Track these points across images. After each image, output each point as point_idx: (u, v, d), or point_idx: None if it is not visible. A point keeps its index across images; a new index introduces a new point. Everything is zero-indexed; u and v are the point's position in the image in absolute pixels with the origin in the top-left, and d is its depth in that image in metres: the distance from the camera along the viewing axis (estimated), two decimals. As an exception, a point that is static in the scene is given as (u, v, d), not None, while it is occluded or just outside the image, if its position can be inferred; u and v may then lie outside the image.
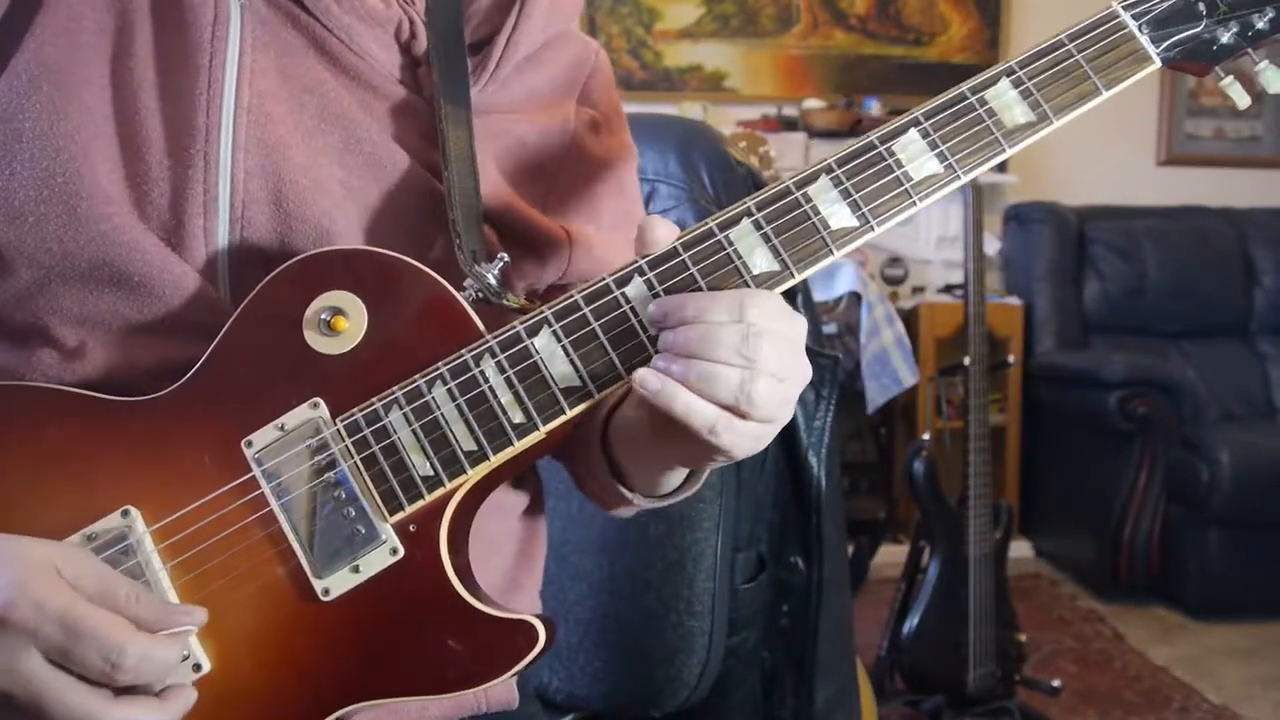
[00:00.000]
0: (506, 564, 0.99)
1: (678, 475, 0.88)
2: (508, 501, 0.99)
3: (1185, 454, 3.41)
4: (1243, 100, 0.82)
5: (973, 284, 2.63)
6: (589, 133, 0.98)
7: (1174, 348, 4.00)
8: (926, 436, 2.85)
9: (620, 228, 0.98)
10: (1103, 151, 4.38)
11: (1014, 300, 4.08)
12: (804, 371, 0.76)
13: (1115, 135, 4.37)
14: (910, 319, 3.92)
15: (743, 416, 0.73)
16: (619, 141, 1.01)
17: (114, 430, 0.79)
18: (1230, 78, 0.82)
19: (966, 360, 2.64)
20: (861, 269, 3.66)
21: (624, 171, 1.01)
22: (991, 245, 4.14)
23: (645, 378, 0.73)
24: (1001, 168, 4.20)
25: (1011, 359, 3.77)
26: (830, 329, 3.57)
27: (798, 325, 0.76)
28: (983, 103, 0.78)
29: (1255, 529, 3.35)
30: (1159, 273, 4.04)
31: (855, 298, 3.53)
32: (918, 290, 4.21)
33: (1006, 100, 0.79)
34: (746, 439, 0.75)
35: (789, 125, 4.13)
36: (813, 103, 4.16)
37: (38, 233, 0.80)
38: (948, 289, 4.09)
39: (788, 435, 1.39)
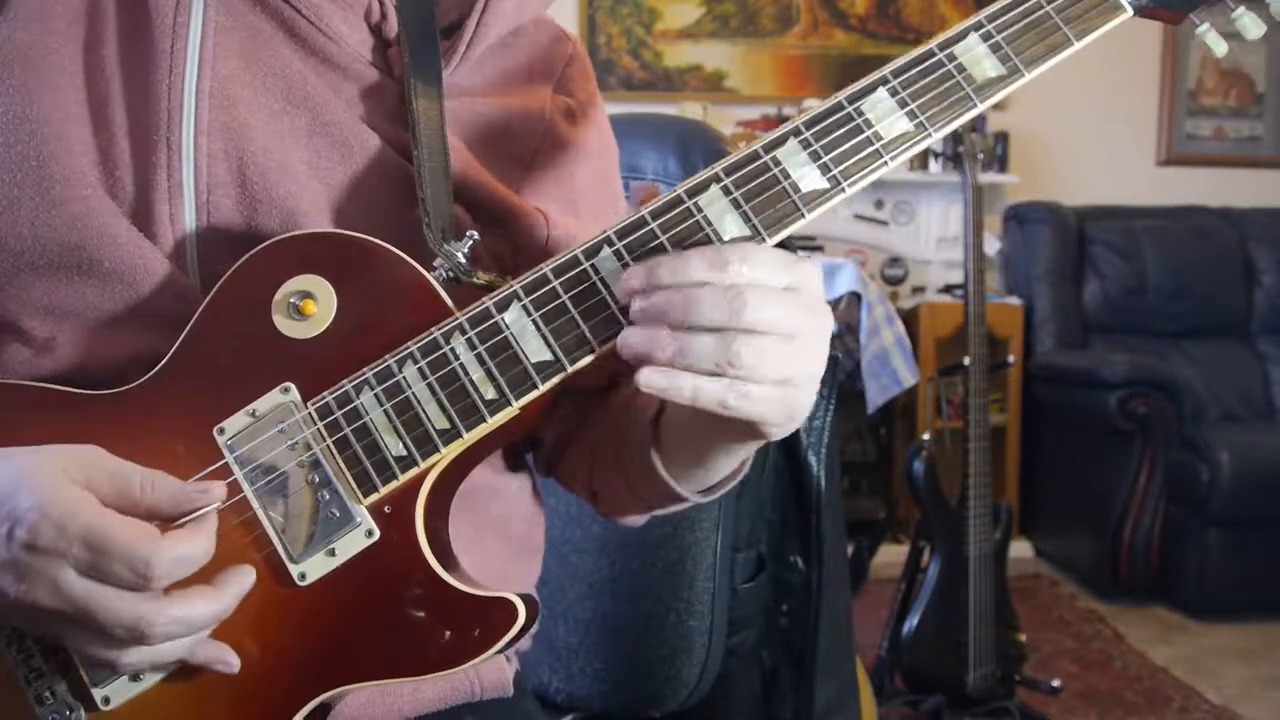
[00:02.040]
0: (503, 559, 0.98)
1: (729, 462, 0.85)
2: (504, 489, 0.98)
3: (1185, 454, 3.40)
4: (1220, 48, 0.81)
5: (973, 284, 2.63)
6: (564, 120, 0.97)
7: (1174, 348, 3.99)
8: (926, 436, 2.84)
9: (600, 219, 0.97)
10: (1103, 151, 4.37)
11: (1014, 300, 4.08)
12: (814, 323, 0.71)
13: (1115, 135, 4.37)
14: (910, 319, 3.92)
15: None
16: (597, 133, 0.99)
17: (86, 423, 0.78)
18: (1206, 25, 0.80)
19: (966, 360, 2.63)
20: (861, 269, 3.66)
21: (601, 163, 1.00)
22: (991, 245, 4.14)
23: (651, 378, 0.69)
24: (1001, 168, 4.20)
25: (1011, 359, 3.77)
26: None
27: (798, 273, 0.70)
28: (952, 58, 0.77)
29: (1255, 529, 3.35)
30: (1159, 273, 4.03)
31: (855, 298, 3.53)
32: (918, 290, 4.21)
33: (976, 55, 0.77)
34: (773, 406, 0.71)
35: (788, 126, 4.13)
36: (813, 103, 4.16)
37: (10, 217, 0.80)
38: (948, 289, 4.09)
39: (787, 435, 1.39)
